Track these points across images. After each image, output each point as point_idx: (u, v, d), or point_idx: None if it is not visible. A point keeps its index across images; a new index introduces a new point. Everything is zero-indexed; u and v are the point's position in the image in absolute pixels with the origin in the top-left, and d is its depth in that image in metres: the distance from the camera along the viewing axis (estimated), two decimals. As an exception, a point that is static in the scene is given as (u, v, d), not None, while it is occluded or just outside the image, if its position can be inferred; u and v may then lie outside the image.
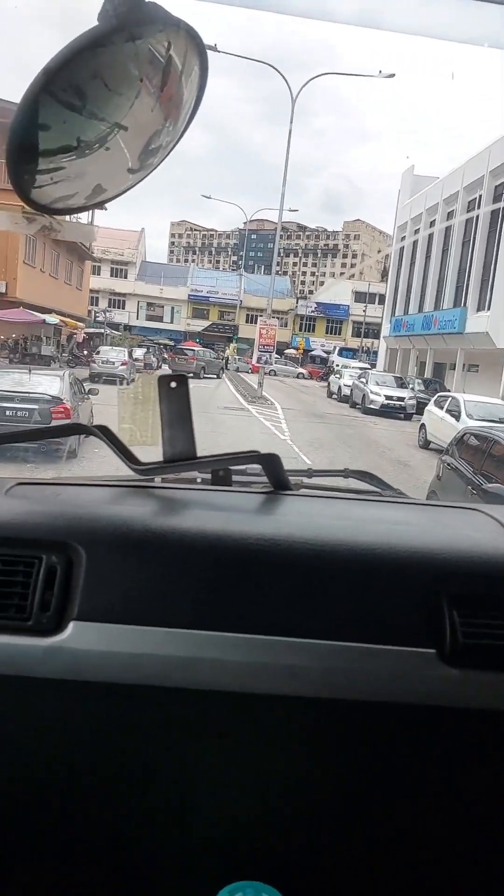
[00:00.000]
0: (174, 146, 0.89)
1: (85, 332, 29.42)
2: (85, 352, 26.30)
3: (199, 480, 1.35)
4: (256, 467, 1.19)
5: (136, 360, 24.97)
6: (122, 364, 20.61)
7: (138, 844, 0.87)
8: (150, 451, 1.17)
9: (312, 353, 53.68)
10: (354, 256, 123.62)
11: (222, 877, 0.85)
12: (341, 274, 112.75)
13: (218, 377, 29.86)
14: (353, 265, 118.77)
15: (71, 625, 0.83)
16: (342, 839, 0.89)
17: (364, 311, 52.36)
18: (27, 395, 8.10)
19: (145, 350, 30.28)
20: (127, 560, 0.87)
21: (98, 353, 22.37)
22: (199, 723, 0.84)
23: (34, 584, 0.85)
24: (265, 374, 22.67)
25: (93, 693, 0.82)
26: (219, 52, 17.98)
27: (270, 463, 1.11)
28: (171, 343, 41.44)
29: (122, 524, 0.91)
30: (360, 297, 56.46)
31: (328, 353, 50.62)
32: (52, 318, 23.71)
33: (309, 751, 0.86)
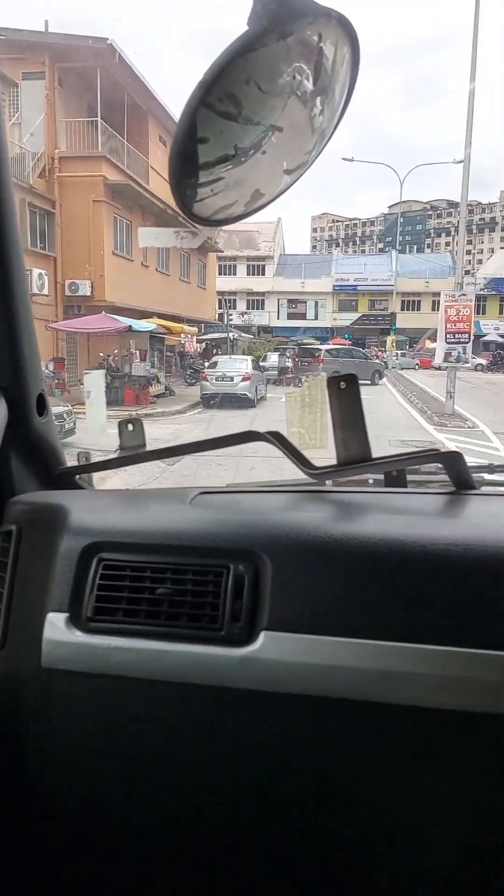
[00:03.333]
0: (328, 140, 0.85)
1: (198, 339, 23.88)
2: (206, 364, 20.98)
3: (370, 482, 1.33)
4: (432, 466, 1.17)
5: (266, 369, 19.16)
6: (244, 379, 14.71)
7: (354, 870, 0.84)
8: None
9: (485, 338, 44.96)
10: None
11: None
12: (502, 248, 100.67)
13: (372, 383, 20.92)
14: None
15: (262, 635, 0.85)
16: None
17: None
18: None
19: (279, 354, 24.57)
20: (312, 568, 0.87)
21: (215, 366, 16.68)
22: (401, 740, 0.82)
23: (223, 593, 0.87)
24: (437, 369, 15.64)
25: (287, 705, 0.83)
26: None
27: (452, 461, 1.05)
28: (318, 341, 35.24)
29: (304, 531, 0.90)
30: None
31: (507, 336, 41.95)
32: (144, 324, 17.67)
33: None
